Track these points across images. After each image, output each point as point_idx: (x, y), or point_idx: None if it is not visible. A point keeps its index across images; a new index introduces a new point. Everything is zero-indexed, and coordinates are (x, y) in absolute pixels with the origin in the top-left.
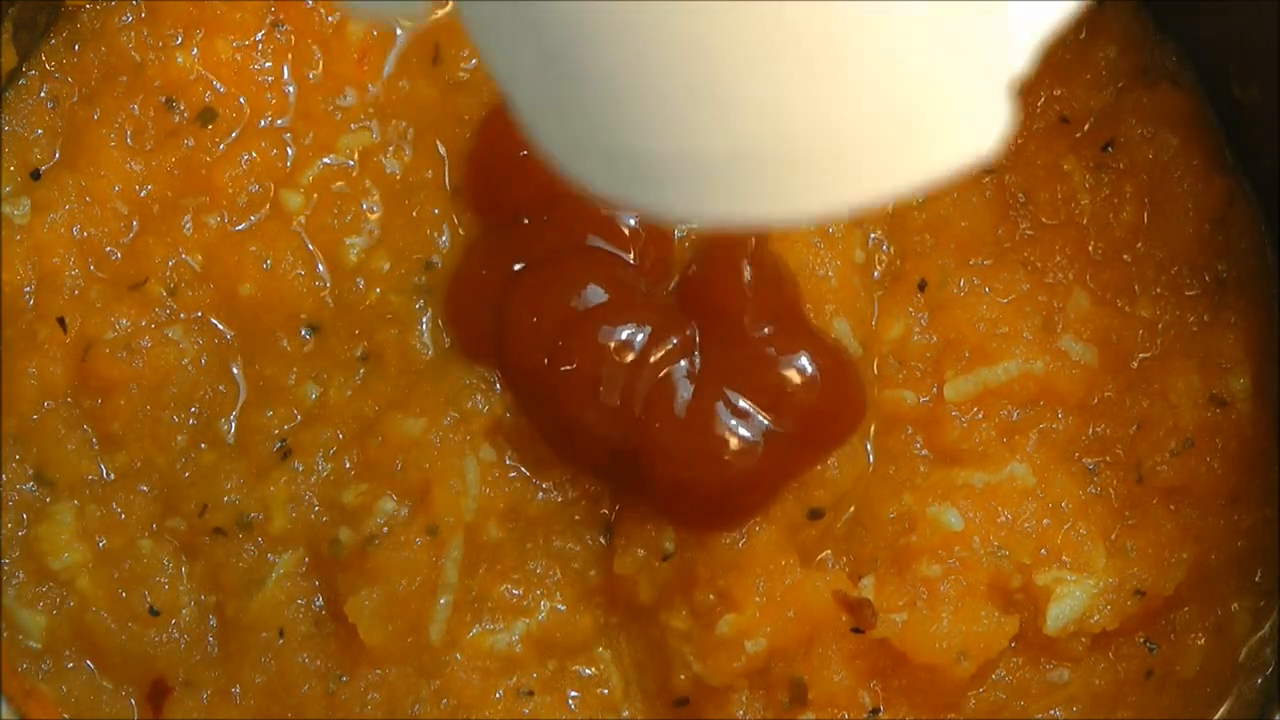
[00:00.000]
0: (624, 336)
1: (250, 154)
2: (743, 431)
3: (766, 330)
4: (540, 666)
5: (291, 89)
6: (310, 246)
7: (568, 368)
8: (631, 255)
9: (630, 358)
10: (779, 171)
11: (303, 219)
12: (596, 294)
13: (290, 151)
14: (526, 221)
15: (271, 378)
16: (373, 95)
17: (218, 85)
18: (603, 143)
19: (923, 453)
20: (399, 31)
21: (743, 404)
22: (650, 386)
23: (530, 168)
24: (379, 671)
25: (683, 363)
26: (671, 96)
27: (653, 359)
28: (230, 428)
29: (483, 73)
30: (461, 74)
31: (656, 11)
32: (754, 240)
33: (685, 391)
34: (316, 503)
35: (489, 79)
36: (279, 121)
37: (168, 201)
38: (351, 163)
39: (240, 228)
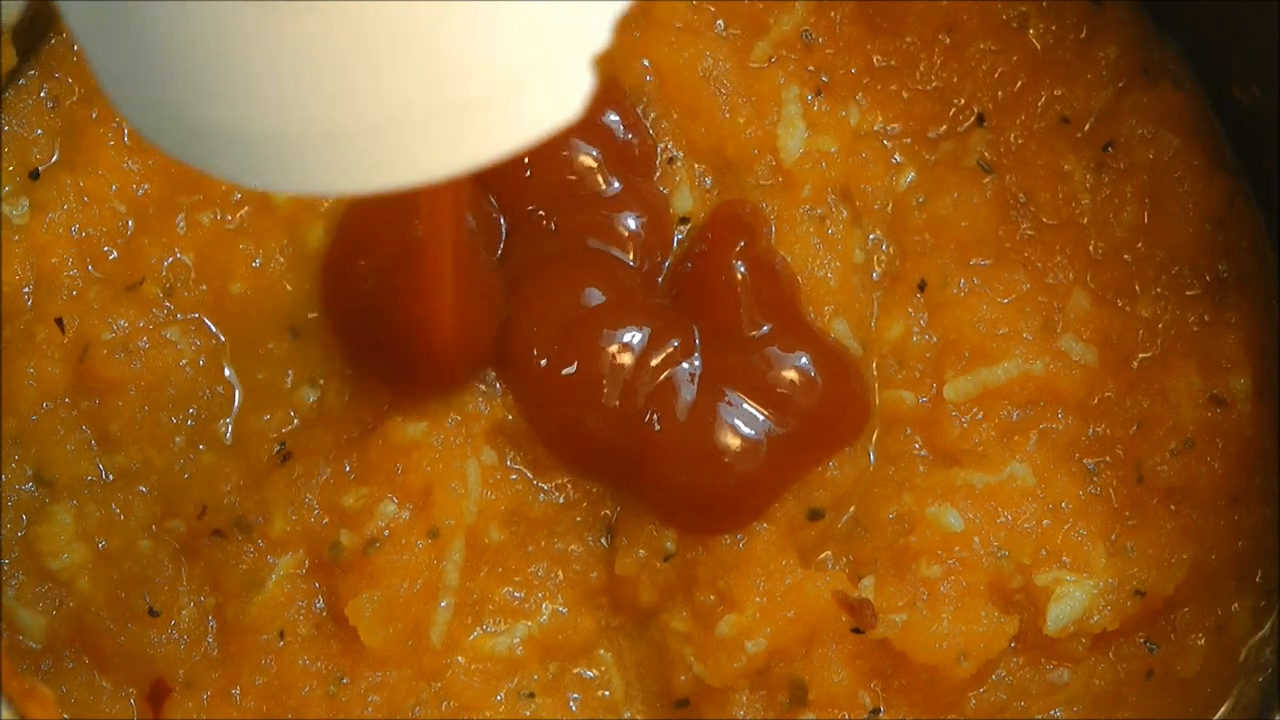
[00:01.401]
0: (624, 339)
1: None
2: (746, 433)
3: (765, 329)
4: (541, 669)
5: None
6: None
7: (568, 371)
8: (631, 257)
9: (630, 360)
10: (376, 147)
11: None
12: (596, 297)
13: None
14: (529, 222)
15: (266, 380)
16: None
17: None
18: (189, 117)
19: (922, 453)
20: None
21: (745, 406)
22: (651, 389)
23: (531, 169)
24: (380, 674)
25: (684, 365)
26: (257, 77)
27: (654, 362)
28: (228, 429)
29: None
30: None
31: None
32: (744, 239)
33: (687, 394)
34: (316, 505)
35: None
36: None
37: (163, 200)
38: None
39: (231, 226)
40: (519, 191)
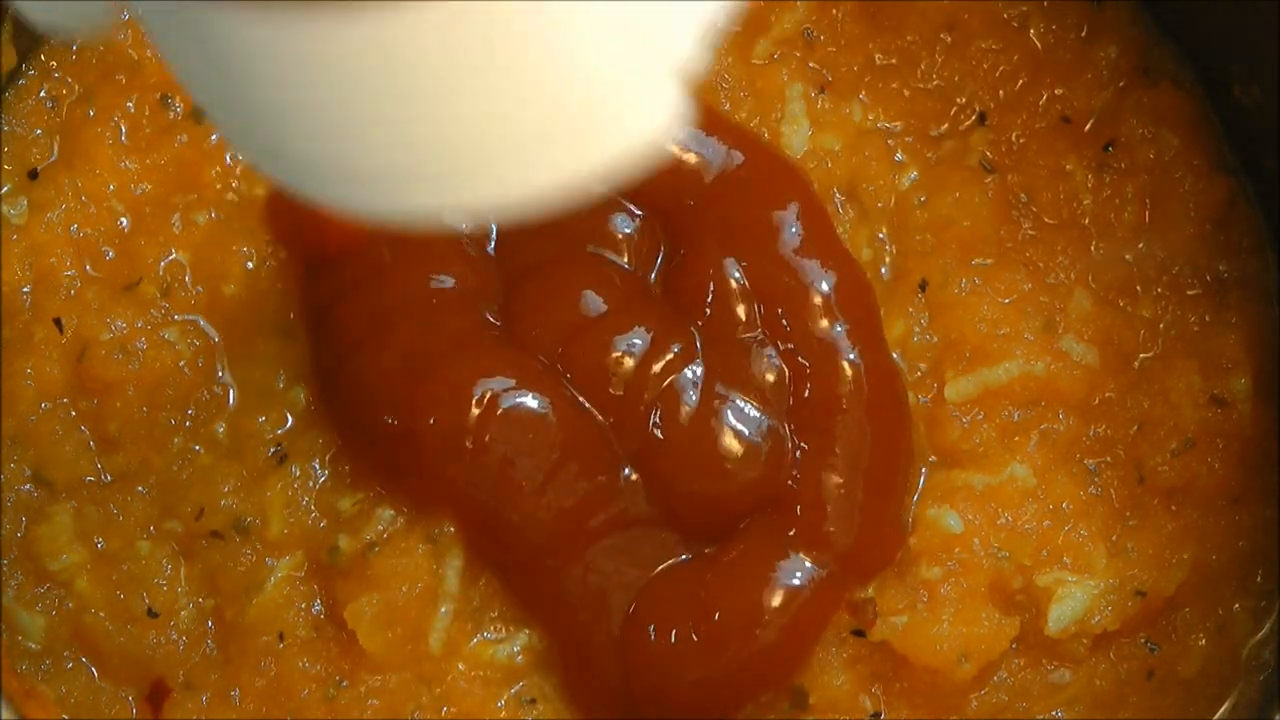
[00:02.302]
0: (625, 348)
1: None
2: (749, 437)
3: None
4: (544, 677)
5: None
6: None
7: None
8: (626, 260)
9: (632, 368)
10: (458, 175)
11: None
12: (595, 302)
13: None
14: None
15: (260, 380)
16: None
17: None
18: (284, 148)
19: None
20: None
21: (748, 408)
22: (654, 396)
23: None
24: (379, 677)
25: (686, 370)
26: (345, 120)
27: (655, 368)
28: (225, 431)
29: None
30: None
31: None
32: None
33: (690, 399)
34: (314, 509)
35: None
36: None
37: (160, 200)
38: None
39: (228, 225)
40: None
